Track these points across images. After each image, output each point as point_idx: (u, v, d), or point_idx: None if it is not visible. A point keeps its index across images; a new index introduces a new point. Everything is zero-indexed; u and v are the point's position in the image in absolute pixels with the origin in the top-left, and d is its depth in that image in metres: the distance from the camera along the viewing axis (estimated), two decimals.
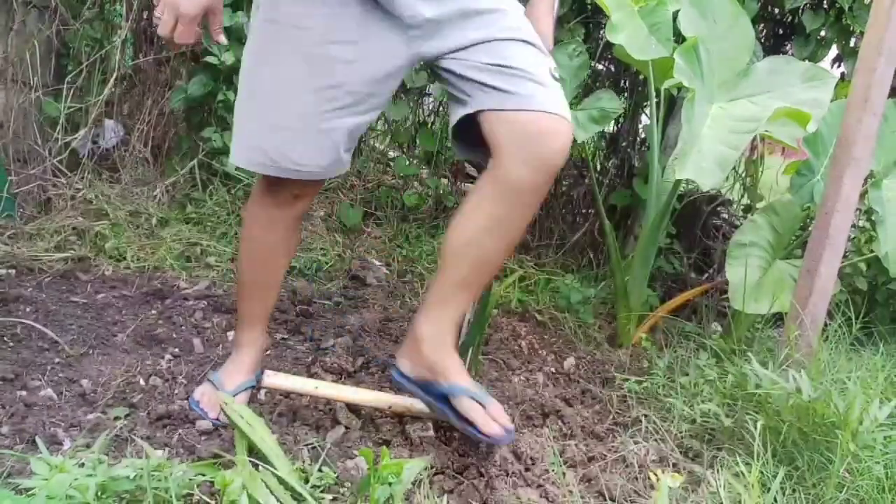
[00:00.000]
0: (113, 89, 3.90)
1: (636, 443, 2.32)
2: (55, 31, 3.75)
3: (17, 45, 3.62)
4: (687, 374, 2.69)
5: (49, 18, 3.73)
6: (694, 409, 2.44)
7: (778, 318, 3.24)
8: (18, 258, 3.18)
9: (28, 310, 2.76)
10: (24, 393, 2.24)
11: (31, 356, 2.45)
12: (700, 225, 4.33)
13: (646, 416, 2.53)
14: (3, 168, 3.56)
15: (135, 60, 4.15)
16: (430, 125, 4.44)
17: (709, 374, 2.58)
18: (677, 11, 2.98)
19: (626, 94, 4.33)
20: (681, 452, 2.32)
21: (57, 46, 3.84)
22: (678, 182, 3.06)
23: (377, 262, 3.83)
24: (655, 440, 2.36)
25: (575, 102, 3.36)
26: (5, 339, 2.53)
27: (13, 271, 3.08)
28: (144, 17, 4.18)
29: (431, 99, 4.57)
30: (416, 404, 2.26)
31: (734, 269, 3.11)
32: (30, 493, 1.54)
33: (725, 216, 4.57)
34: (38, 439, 1.90)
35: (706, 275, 4.38)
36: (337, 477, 1.94)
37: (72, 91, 3.77)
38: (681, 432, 2.39)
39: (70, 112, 3.78)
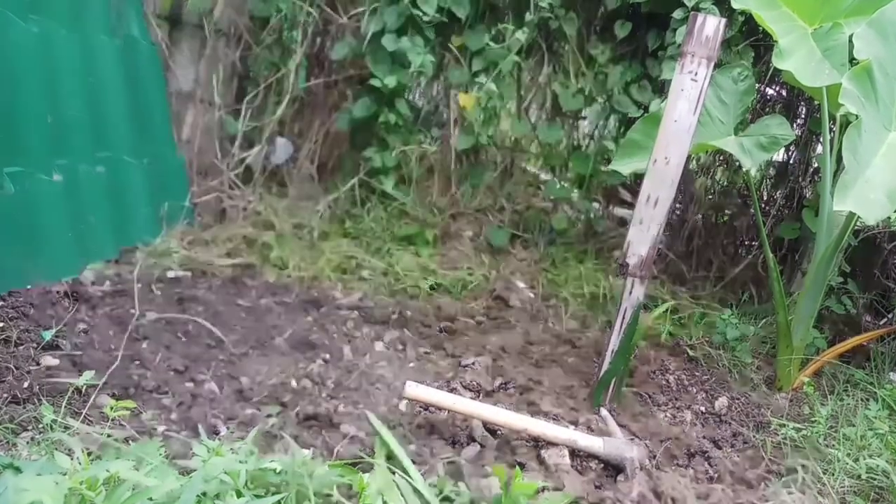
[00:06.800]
0: (286, 109, 4.20)
1: (790, 493, 2.15)
2: (238, 56, 4.11)
3: (206, 68, 4.00)
4: (853, 425, 2.46)
5: (234, 44, 4.09)
6: (859, 464, 2.22)
7: None
8: (195, 262, 3.49)
9: (200, 309, 3.01)
10: (191, 385, 2.44)
11: (199, 351, 2.68)
12: (879, 264, 3.95)
13: (803, 466, 2.33)
14: (187, 179, 3.93)
15: (307, 83, 4.45)
16: (584, 148, 4.39)
17: (879, 427, 2.35)
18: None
19: (799, 121, 4.06)
20: None
21: (239, 70, 4.20)
22: (852, 215, 2.81)
23: (521, 284, 3.82)
24: (813, 493, 2.16)
25: (740, 128, 3.20)
26: (179, 334, 2.78)
27: (189, 274, 3.37)
28: (317, 42, 4.48)
29: (587, 122, 4.52)
30: (552, 430, 2.23)
31: None
32: (189, 474, 1.68)
33: None
34: (200, 427, 2.07)
35: (885, 319, 3.97)
36: (470, 496, 1.95)
37: (249, 111, 4.11)
38: (843, 487, 2.19)
39: (247, 130, 4.12)
